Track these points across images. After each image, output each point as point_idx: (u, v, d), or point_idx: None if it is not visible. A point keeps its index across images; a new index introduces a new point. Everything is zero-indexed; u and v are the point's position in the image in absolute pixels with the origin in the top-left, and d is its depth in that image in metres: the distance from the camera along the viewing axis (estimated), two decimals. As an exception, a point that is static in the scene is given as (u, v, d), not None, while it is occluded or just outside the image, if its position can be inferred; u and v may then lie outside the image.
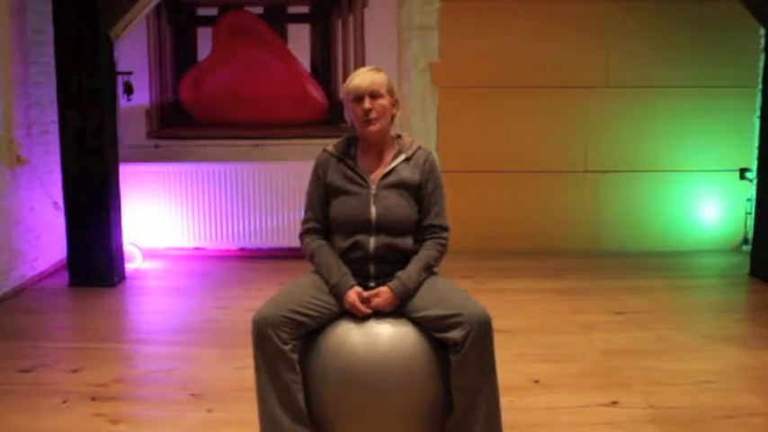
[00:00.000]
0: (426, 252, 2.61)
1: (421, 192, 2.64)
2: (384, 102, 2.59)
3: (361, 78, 2.59)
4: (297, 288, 2.56)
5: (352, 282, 2.54)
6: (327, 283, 2.56)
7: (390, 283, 2.53)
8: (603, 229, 5.75)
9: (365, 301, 2.52)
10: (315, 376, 2.48)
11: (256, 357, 2.46)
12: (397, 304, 2.52)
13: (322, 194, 2.68)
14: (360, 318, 2.52)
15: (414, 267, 2.56)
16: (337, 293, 2.53)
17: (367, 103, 2.56)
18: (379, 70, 2.65)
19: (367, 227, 2.58)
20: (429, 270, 2.60)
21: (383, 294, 2.52)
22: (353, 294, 2.51)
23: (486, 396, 2.45)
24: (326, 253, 2.62)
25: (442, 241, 2.65)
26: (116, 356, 3.72)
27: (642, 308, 4.43)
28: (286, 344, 2.41)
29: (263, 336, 2.41)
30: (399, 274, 2.55)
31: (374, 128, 2.59)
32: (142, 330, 4.28)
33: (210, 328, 4.13)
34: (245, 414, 2.97)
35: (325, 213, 2.68)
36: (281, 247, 5.59)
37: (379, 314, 2.53)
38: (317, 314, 2.50)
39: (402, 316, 2.53)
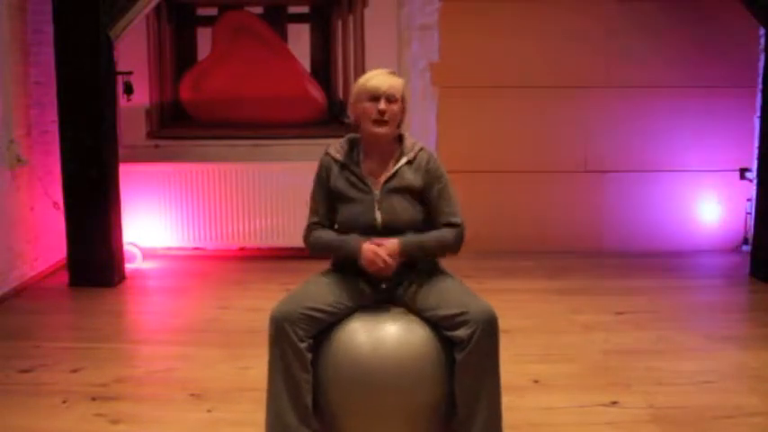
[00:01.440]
0: (442, 232, 2.61)
1: (427, 195, 2.63)
2: (397, 107, 2.59)
3: (382, 80, 2.58)
4: (313, 286, 2.58)
5: (362, 239, 2.55)
6: (343, 251, 2.57)
7: (399, 237, 2.54)
8: (603, 229, 5.75)
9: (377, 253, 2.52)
10: (323, 374, 2.49)
11: (272, 354, 2.46)
12: (401, 255, 2.52)
13: (326, 196, 2.68)
14: (368, 316, 2.53)
15: (428, 235, 2.58)
16: (354, 250, 2.54)
17: (383, 104, 2.56)
18: (395, 74, 2.64)
19: (373, 232, 2.59)
20: (441, 245, 2.59)
21: (391, 242, 2.52)
22: (370, 246, 2.52)
23: (487, 395, 2.45)
24: (328, 233, 2.66)
25: (459, 232, 2.63)
26: (116, 356, 3.72)
27: (642, 308, 4.43)
28: (302, 341, 2.43)
29: (281, 331, 2.42)
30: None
31: (383, 130, 2.59)
32: (142, 330, 4.28)
33: (210, 328, 4.13)
34: (246, 414, 2.97)
35: (329, 214, 2.69)
36: (281, 246, 5.59)
37: (387, 311, 2.54)
38: (334, 310, 2.51)
39: (412, 315, 2.54)
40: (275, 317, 2.44)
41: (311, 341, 2.46)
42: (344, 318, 2.54)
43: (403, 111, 2.64)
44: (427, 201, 2.64)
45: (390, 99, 2.57)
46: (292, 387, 2.43)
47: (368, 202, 2.60)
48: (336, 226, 2.71)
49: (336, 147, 2.71)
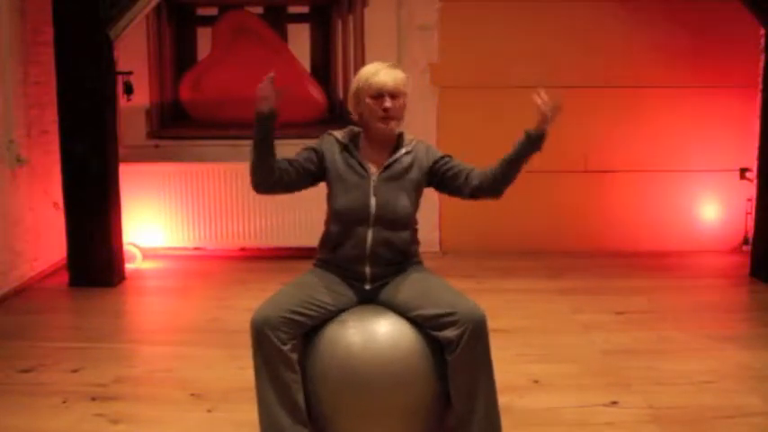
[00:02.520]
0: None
1: (438, 172, 2.64)
2: (402, 101, 2.59)
3: (386, 77, 2.56)
4: (294, 288, 2.57)
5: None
6: (256, 131, 2.66)
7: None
8: (603, 229, 5.75)
9: None
10: (313, 375, 2.49)
11: (255, 358, 2.46)
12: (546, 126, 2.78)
13: (307, 158, 2.64)
14: (357, 316, 2.53)
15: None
16: (260, 110, 2.66)
17: (388, 102, 2.55)
18: (397, 67, 2.63)
19: (366, 218, 2.57)
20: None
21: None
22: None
23: (483, 395, 2.45)
24: None
25: None
26: (116, 356, 3.72)
27: (642, 308, 4.43)
28: (285, 344, 2.41)
29: (262, 336, 2.41)
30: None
31: (390, 126, 2.59)
32: (142, 330, 4.28)
33: (211, 328, 4.13)
34: (246, 414, 2.97)
35: (297, 166, 2.62)
36: (281, 246, 5.59)
37: (375, 311, 2.54)
38: (315, 314, 2.50)
39: (398, 315, 2.53)
40: (255, 321, 2.44)
41: (295, 342, 2.45)
42: (328, 319, 2.53)
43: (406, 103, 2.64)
44: (442, 175, 2.65)
45: (395, 95, 2.57)
46: (281, 389, 2.43)
47: (364, 186, 2.59)
48: (327, 218, 2.70)
49: (339, 131, 2.71)
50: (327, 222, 2.70)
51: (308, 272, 2.67)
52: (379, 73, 2.58)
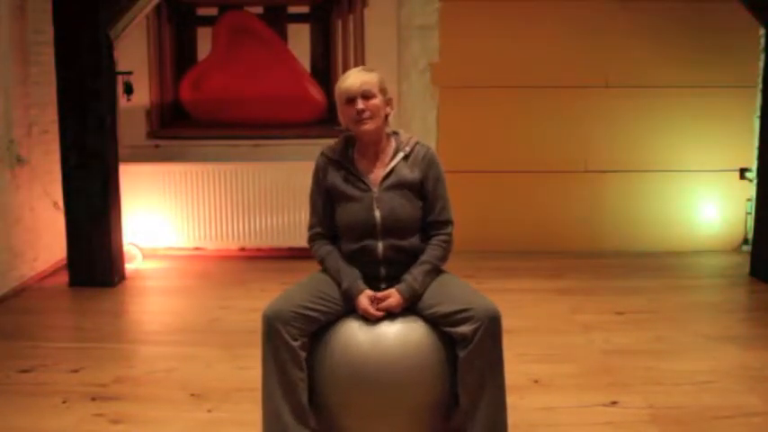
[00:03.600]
0: (431, 252, 2.60)
1: (423, 189, 2.63)
2: (377, 101, 2.57)
3: (353, 79, 2.57)
4: (307, 284, 2.58)
5: (363, 286, 2.54)
6: (339, 286, 2.56)
7: (398, 286, 2.53)
8: (603, 229, 5.75)
9: (376, 301, 2.52)
10: (322, 373, 2.49)
11: (265, 353, 2.46)
12: (406, 305, 2.53)
13: (324, 198, 2.67)
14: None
15: (419, 269, 2.56)
16: (349, 298, 2.53)
17: (359, 104, 2.54)
18: (370, 70, 2.63)
19: (373, 231, 2.57)
20: (435, 270, 2.60)
21: (392, 298, 2.52)
22: (365, 300, 2.51)
23: (492, 392, 2.45)
24: (336, 258, 2.62)
25: (446, 237, 2.63)
26: (116, 356, 3.72)
27: (642, 308, 4.43)
28: (296, 340, 2.42)
29: (274, 331, 2.41)
30: (405, 276, 2.55)
31: (367, 127, 2.57)
32: (142, 330, 4.28)
33: (210, 328, 4.13)
34: (246, 414, 2.97)
35: (330, 216, 2.67)
36: (281, 247, 5.59)
37: (389, 314, 2.53)
38: (328, 309, 2.51)
39: (411, 313, 2.54)
40: (267, 316, 2.44)
41: (305, 339, 2.45)
42: (341, 317, 2.54)
43: (387, 103, 2.63)
44: (424, 194, 2.63)
45: (367, 95, 2.55)
46: (287, 386, 2.43)
47: (366, 200, 2.59)
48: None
49: (331, 146, 2.70)
50: (338, 235, 2.69)
51: (321, 269, 2.67)
52: (348, 78, 2.59)
